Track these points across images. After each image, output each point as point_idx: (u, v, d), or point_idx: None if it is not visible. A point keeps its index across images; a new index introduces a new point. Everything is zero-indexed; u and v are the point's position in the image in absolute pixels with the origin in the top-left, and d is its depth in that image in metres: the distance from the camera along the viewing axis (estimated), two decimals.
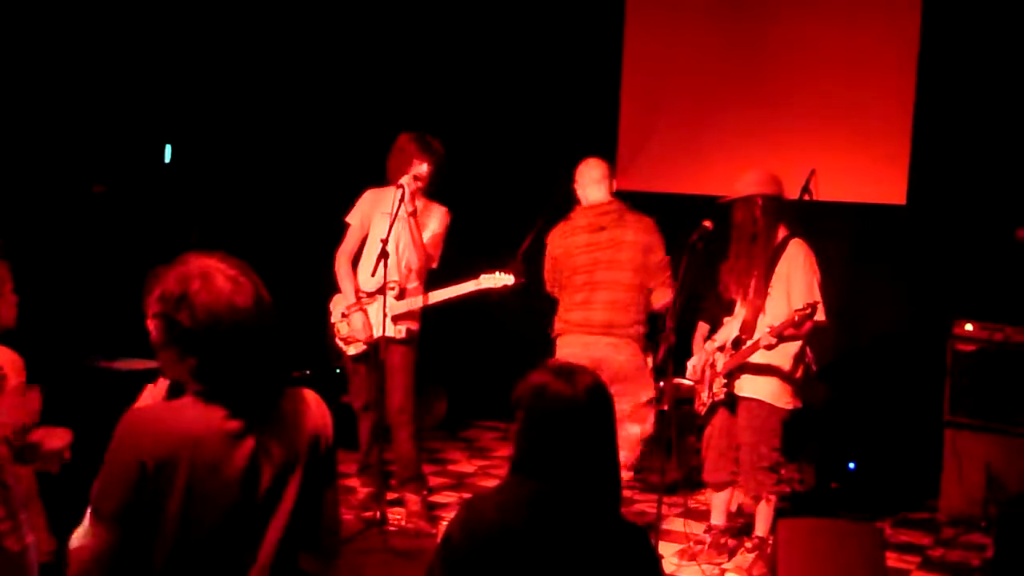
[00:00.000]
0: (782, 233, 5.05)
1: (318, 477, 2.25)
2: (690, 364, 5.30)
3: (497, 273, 5.38)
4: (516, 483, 2.40)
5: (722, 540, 5.24)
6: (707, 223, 4.86)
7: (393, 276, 5.35)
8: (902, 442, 6.59)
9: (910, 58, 6.74)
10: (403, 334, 5.43)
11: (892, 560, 5.00)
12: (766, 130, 7.13)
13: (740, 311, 5.11)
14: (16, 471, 3.24)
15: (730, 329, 5.19)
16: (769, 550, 4.95)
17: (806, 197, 5.76)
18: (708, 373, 5.16)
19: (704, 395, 5.19)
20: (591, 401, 2.41)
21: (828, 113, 6.97)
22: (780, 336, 4.76)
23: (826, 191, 5.86)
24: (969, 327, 5.96)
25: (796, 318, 4.67)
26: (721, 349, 5.16)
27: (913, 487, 6.44)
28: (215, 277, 2.16)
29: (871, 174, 6.86)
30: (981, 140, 6.52)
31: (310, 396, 2.32)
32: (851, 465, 6.58)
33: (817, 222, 5.68)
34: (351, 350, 5.56)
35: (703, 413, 5.23)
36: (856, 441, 6.65)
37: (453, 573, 2.33)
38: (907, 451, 6.55)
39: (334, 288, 5.61)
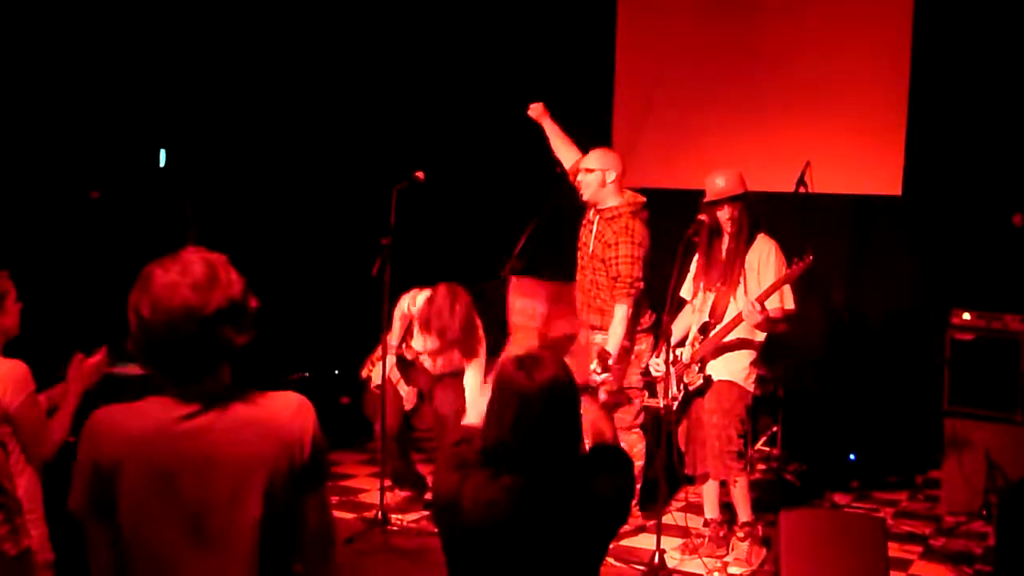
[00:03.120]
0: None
1: (296, 484, 2.14)
2: (651, 362, 5.32)
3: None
4: (487, 477, 2.42)
5: (720, 532, 5.26)
6: (703, 217, 5.02)
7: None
8: (902, 432, 6.59)
9: (904, 48, 6.74)
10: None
11: (894, 550, 4.99)
12: (760, 123, 7.12)
13: (705, 303, 5.17)
14: (12, 476, 3.24)
15: (684, 323, 5.28)
16: (760, 533, 5.09)
17: (802, 189, 5.77)
18: (673, 368, 5.18)
19: (673, 389, 5.18)
20: (546, 393, 2.42)
21: (822, 105, 6.97)
22: (764, 308, 4.84)
23: (822, 183, 5.85)
24: (967, 316, 5.96)
25: (790, 273, 4.85)
26: (681, 344, 5.22)
27: (913, 477, 6.45)
28: (168, 269, 2.08)
29: (866, 165, 6.86)
30: (977, 128, 6.52)
31: (291, 400, 2.19)
32: (852, 456, 6.59)
33: (813, 214, 5.68)
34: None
35: (674, 408, 5.21)
36: (856, 432, 6.66)
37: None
38: (907, 441, 6.56)
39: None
